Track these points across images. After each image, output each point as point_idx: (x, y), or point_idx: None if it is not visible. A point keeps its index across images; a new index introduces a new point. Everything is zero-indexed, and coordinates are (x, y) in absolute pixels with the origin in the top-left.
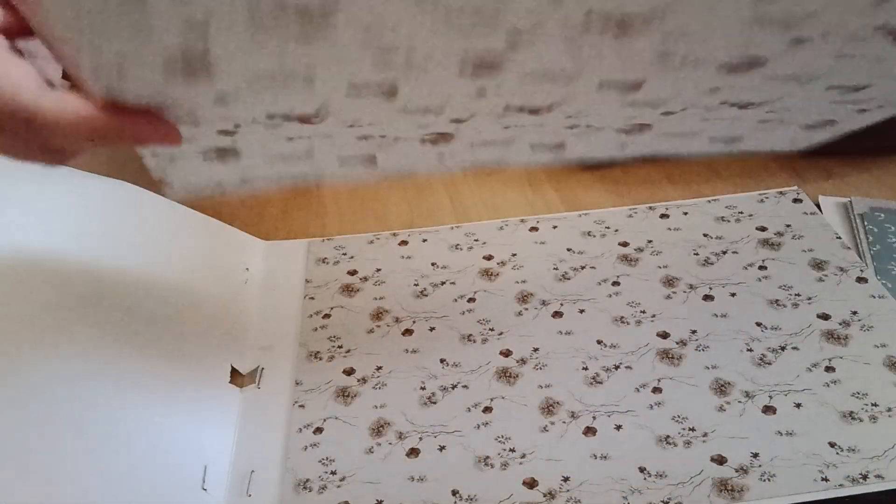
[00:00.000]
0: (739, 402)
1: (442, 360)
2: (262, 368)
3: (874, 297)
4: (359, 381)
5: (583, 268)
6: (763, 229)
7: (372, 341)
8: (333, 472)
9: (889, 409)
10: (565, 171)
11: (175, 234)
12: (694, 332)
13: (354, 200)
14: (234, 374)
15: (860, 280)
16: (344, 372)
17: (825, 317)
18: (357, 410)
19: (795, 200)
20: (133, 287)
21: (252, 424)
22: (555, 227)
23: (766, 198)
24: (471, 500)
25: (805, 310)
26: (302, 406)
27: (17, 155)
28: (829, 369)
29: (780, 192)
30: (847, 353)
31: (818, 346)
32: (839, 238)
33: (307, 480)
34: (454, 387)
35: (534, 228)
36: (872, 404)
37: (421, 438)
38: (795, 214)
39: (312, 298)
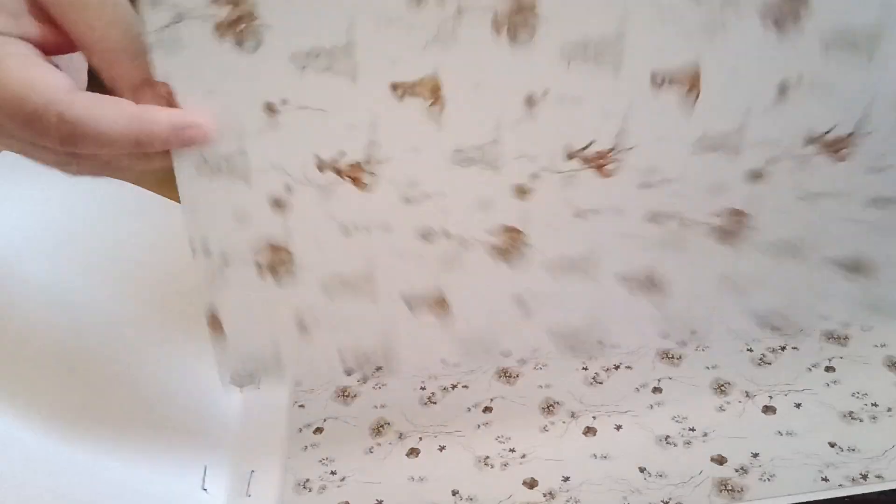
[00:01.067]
0: (739, 401)
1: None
2: None
3: None
4: (359, 381)
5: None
6: None
7: None
8: (333, 472)
9: (889, 409)
10: None
11: (175, 235)
12: (693, 332)
13: None
14: None
15: None
16: (344, 371)
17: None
18: (357, 410)
19: None
20: (132, 286)
21: (252, 425)
22: None
23: None
24: (471, 500)
25: None
26: (302, 406)
27: (50, 162)
28: (828, 369)
29: None
30: (847, 353)
31: (818, 346)
32: None
33: (307, 480)
34: (454, 387)
35: None
36: (872, 404)
37: (421, 438)
38: None
39: None
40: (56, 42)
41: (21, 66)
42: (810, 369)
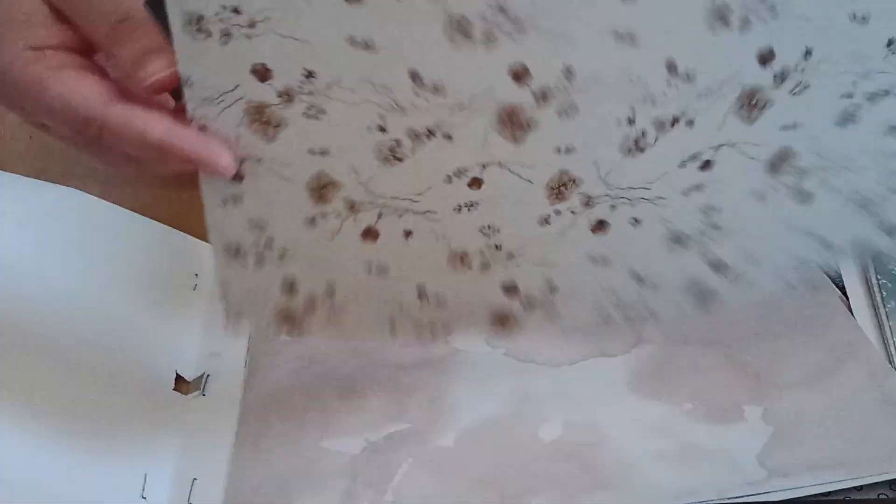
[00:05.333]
0: (573, 212)
1: (414, 76)
2: (208, 375)
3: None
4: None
5: None
6: None
7: None
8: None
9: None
10: None
11: (120, 239)
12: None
13: None
14: (179, 380)
15: None
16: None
17: (767, 58)
18: (284, 147)
19: None
20: (72, 293)
21: (198, 431)
22: None
23: None
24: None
25: (748, 38)
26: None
27: (96, 159)
28: (705, 165)
29: None
30: (745, 138)
31: (720, 120)
32: None
33: (238, 247)
34: (431, 134)
35: None
36: (714, 226)
37: (381, 215)
38: None
39: None
40: (90, 44)
41: (61, 80)
42: (684, 164)
